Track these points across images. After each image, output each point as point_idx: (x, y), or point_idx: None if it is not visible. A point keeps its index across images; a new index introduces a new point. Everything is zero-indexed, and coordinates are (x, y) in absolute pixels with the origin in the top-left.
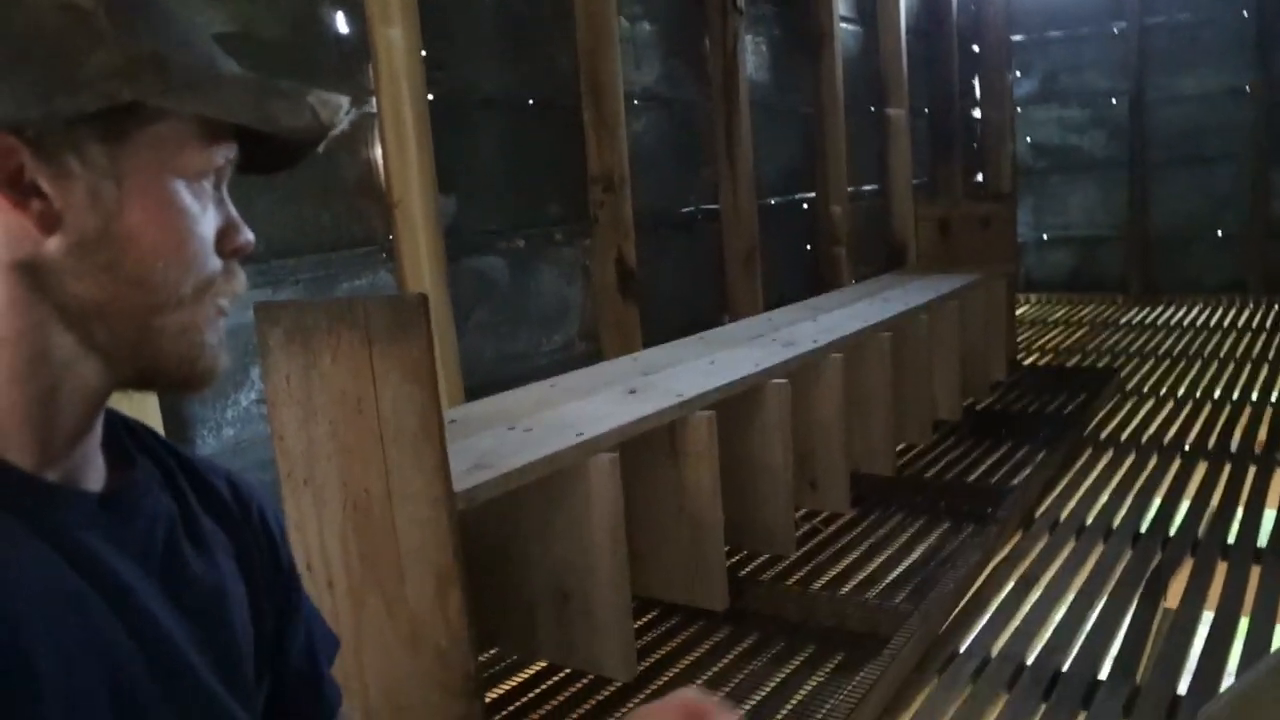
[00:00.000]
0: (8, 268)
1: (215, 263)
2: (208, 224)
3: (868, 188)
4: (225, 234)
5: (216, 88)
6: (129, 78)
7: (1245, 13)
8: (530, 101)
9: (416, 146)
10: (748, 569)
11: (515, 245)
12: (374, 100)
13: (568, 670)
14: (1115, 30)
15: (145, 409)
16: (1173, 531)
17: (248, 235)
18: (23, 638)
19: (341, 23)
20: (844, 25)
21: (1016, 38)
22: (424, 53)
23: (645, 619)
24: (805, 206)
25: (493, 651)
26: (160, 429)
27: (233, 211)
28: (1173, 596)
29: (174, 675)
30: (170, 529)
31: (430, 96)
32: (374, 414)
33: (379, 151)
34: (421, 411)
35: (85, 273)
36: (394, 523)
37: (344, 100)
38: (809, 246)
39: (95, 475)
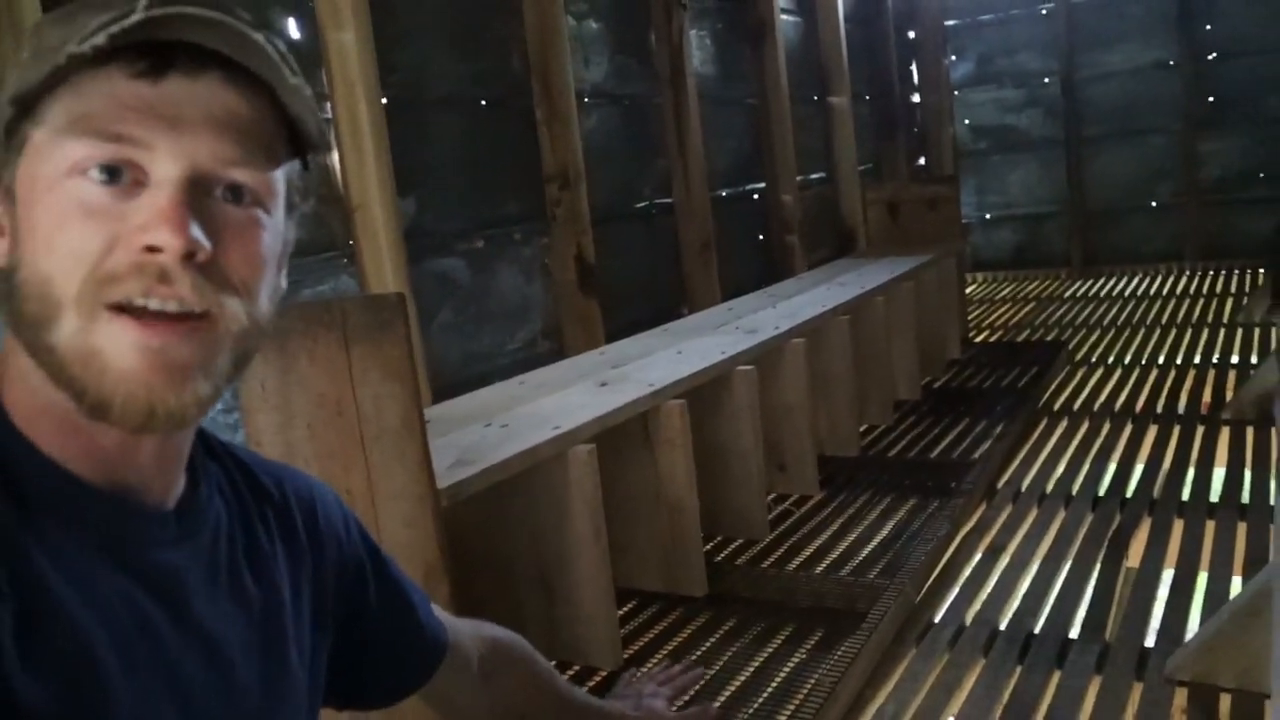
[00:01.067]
0: None
1: (115, 260)
2: (86, 219)
3: (815, 175)
4: (139, 230)
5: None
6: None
7: None
8: (483, 102)
9: (374, 150)
10: (724, 554)
11: (475, 245)
12: (329, 105)
13: (555, 660)
14: (1044, 11)
15: None
16: (1130, 493)
17: (159, 233)
18: (95, 652)
19: (292, 28)
20: (784, 16)
21: (950, 23)
22: (376, 56)
23: (627, 607)
24: (756, 197)
25: None
26: None
27: (161, 203)
28: (1134, 555)
29: (233, 692)
30: (230, 540)
31: (384, 100)
32: (354, 415)
33: (336, 156)
34: (403, 410)
35: (8, 293)
36: (378, 522)
37: None
38: (762, 236)
39: (175, 491)
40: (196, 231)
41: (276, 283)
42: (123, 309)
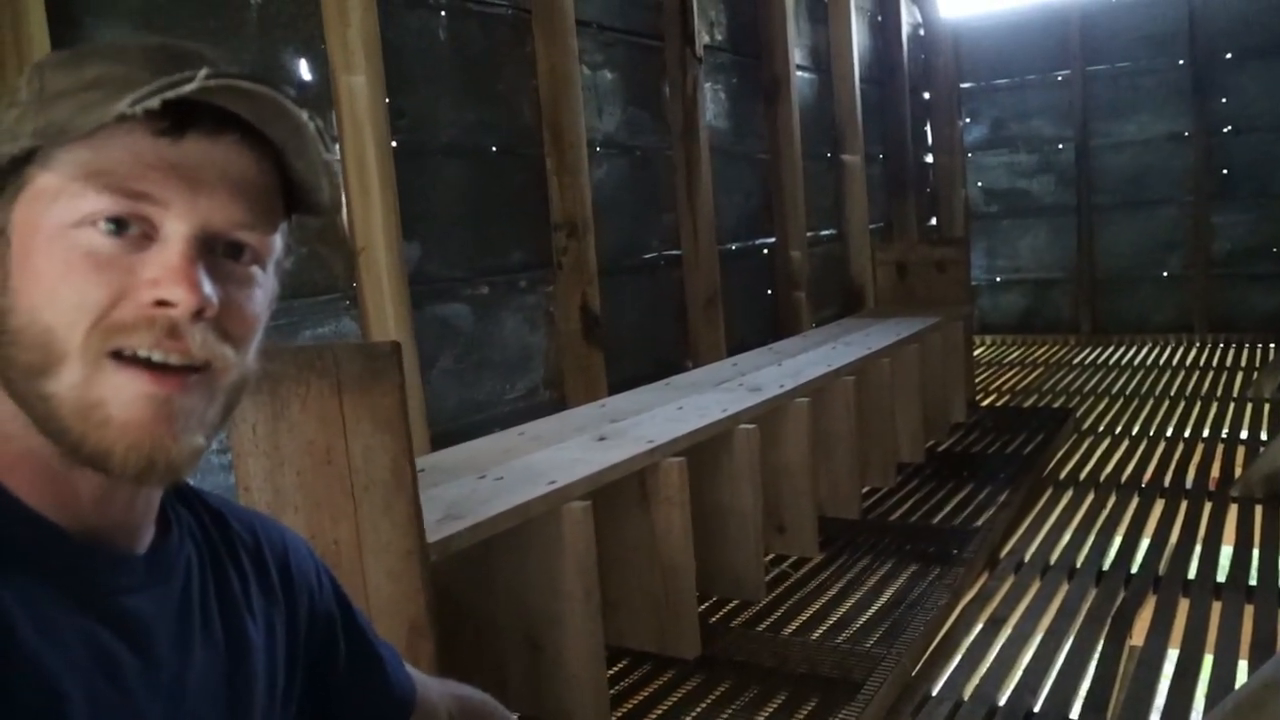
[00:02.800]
0: None
1: (122, 312)
2: (94, 270)
3: (825, 232)
4: (148, 284)
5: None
6: (12, 138)
7: (1180, 61)
8: (493, 149)
9: (380, 194)
10: (718, 615)
11: (479, 292)
12: (337, 148)
13: None
14: (1059, 78)
15: None
16: (1135, 569)
17: (173, 289)
18: (62, 699)
19: (304, 70)
20: (799, 73)
21: (965, 86)
22: (387, 100)
23: (617, 668)
24: (765, 251)
25: None
26: None
27: (175, 261)
28: (1138, 633)
29: None
30: (202, 585)
31: (393, 143)
32: (344, 464)
33: (342, 199)
34: (393, 462)
35: None
36: (364, 575)
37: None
38: (769, 291)
39: (146, 537)
40: (209, 289)
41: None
42: (125, 358)
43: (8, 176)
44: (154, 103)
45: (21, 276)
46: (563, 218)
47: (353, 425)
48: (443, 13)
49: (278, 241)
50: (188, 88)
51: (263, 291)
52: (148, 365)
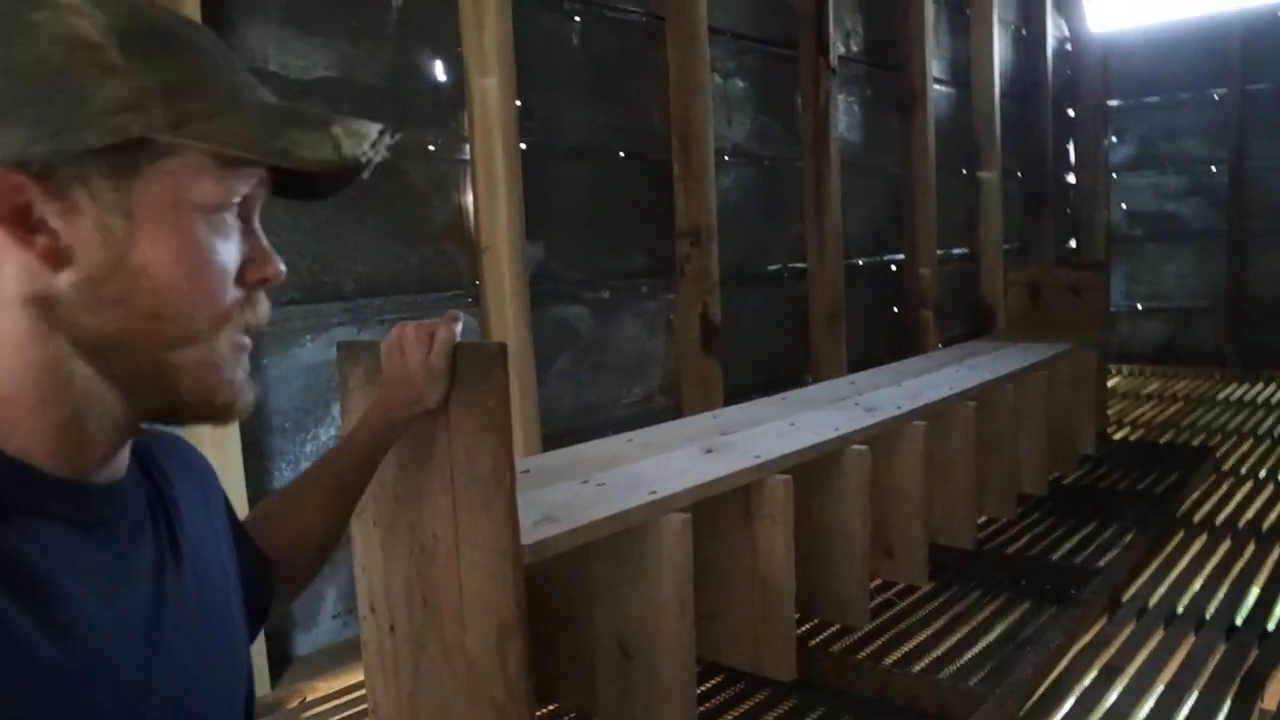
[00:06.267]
0: (22, 302)
1: (234, 294)
2: (227, 255)
3: (957, 251)
4: (251, 264)
5: (229, 121)
6: (138, 112)
7: None
8: (621, 153)
9: (507, 194)
10: (818, 638)
11: (600, 295)
12: (467, 147)
13: None
14: (1215, 97)
15: (226, 441)
16: (1271, 626)
17: (274, 267)
18: (88, 632)
19: (439, 71)
20: (937, 86)
21: (1112, 103)
22: (518, 102)
23: (709, 684)
24: (893, 268)
25: (550, 707)
26: (240, 462)
27: (262, 241)
28: (1270, 698)
29: (226, 650)
30: (166, 511)
31: (522, 145)
32: (446, 460)
33: (470, 197)
34: (494, 462)
35: (97, 307)
36: (459, 570)
37: (373, 129)
38: (895, 308)
39: (122, 470)
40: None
41: None
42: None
43: (130, 153)
44: (333, 165)
45: (154, 253)
46: (687, 225)
47: (457, 423)
48: (577, 18)
49: None
50: (366, 169)
51: None
52: None
